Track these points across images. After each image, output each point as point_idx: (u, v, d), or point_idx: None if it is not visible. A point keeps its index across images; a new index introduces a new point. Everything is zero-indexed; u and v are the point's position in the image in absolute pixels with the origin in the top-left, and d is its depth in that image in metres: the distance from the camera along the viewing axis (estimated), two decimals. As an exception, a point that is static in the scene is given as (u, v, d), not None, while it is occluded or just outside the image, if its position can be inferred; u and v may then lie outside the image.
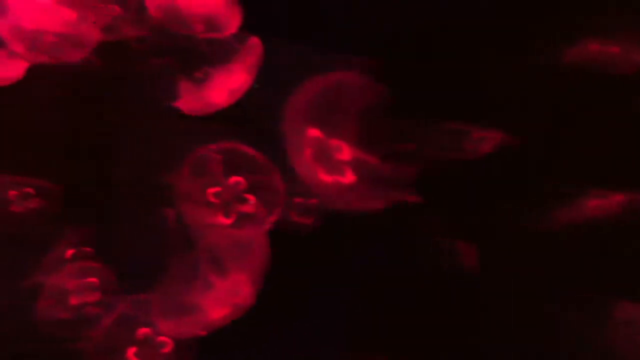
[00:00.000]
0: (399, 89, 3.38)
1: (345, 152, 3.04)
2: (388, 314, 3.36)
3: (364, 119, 3.04)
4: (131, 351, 3.29)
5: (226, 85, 3.35)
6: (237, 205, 3.30)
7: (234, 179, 3.33)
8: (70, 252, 3.48)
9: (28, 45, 3.31)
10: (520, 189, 3.47)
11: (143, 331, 3.33)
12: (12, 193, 3.42)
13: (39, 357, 3.35)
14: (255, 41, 3.31)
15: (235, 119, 3.38)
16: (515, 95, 3.58)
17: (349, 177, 3.03)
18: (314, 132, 3.09)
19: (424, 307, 3.39)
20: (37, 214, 3.41)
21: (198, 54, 3.39)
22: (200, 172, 3.33)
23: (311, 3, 3.57)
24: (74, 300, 3.45)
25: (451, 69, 3.59)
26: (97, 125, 3.53)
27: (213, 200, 3.32)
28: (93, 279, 3.45)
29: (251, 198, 3.30)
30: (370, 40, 3.51)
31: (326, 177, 3.04)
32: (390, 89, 3.35)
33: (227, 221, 3.29)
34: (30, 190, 3.42)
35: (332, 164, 3.05)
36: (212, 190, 3.33)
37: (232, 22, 3.35)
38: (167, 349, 3.28)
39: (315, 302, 3.31)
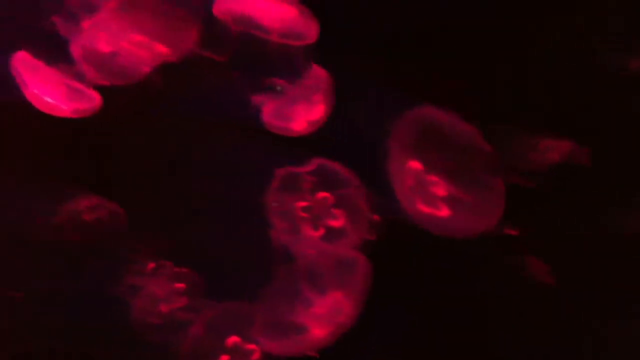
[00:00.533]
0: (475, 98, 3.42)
1: (442, 187, 3.12)
2: (472, 330, 3.44)
3: (456, 152, 3.12)
4: (223, 359, 3.39)
5: (306, 117, 3.41)
6: (325, 219, 3.38)
7: (322, 194, 3.41)
8: (155, 261, 3.56)
9: (100, 68, 3.34)
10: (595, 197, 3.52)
11: (233, 339, 3.42)
12: (84, 203, 3.47)
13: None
14: (327, 75, 3.37)
15: (324, 136, 3.45)
16: (584, 103, 3.60)
17: (444, 211, 3.12)
18: (415, 165, 3.16)
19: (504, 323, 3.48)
20: (108, 223, 3.45)
21: (276, 68, 3.42)
22: (290, 187, 3.39)
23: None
24: (164, 307, 3.55)
25: (521, 78, 3.61)
26: (179, 140, 3.56)
27: (302, 215, 3.40)
28: (180, 285, 3.54)
29: (339, 213, 3.39)
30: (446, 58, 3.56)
31: (423, 208, 3.12)
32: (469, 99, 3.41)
33: (316, 234, 3.37)
34: (101, 201, 3.48)
35: (429, 196, 3.13)
36: (301, 204, 3.40)
37: (309, 31, 3.37)
38: (255, 356, 3.38)
39: (411, 321, 3.39)
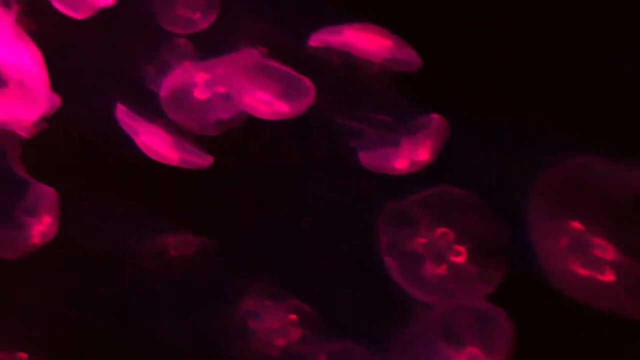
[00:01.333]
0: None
1: (609, 251, 2.96)
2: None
3: (621, 208, 2.95)
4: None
5: (411, 156, 3.30)
6: (447, 255, 3.29)
7: (442, 229, 3.31)
8: (269, 296, 3.51)
9: (190, 114, 3.29)
10: None
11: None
12: (171, 240, 3.43)
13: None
14: (441, 121, 3.26)
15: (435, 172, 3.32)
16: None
17: (608, 276, 2.97)
18: (576, 225, 3.00)
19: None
20: (197, 259, 3.42)
21: (379, 103, 3.28)
22: (406, 221, 3.28)
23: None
24: (280, 341, 3.52)
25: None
26: (284, 178, 3.47)
27: (421, 251, 3.31)
28: (293, 316, 3.51)
29: (462, 249, 3.29)
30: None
31: (581, 270, 2.99)
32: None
33: (438, 271, 3.29)
34: (189, 238, 3.42)
35: (590, 259, 2.98)
36: (420, 240, 3.30)
37: (410, 60, 3.28)
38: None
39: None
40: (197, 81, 3.29)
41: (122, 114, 3.22)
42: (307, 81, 3.18)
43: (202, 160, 3.27)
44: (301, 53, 3.27)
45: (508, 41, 3.38)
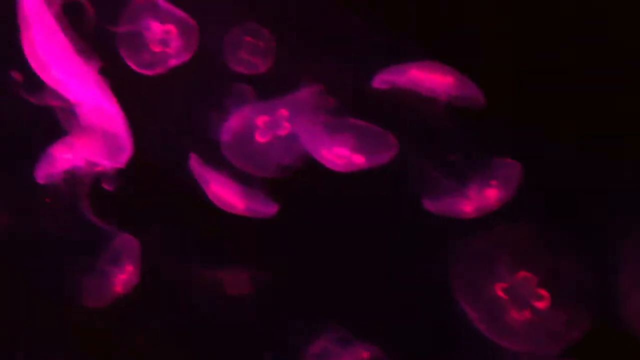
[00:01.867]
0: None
1: None
2: None
3: None
4: None
5: (479, 202, 3.13)
6: (529, 300, 3.10)
7: (523, 273, 3.11)
8: (337, 343, 3.36)
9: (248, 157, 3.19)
10: None
11: None
12: (228, 278, 3.37)
13: None
14: (516, 166, 3.09)
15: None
16: None
17: None
18: None
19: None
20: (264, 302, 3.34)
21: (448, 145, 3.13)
22: (483, 265, 3.08)
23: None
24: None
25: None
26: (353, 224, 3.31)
27: (502, 296, 3.12)
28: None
29: (545, 293, 3.09)
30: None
31: None
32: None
33: (522, 317, 3.10)
34: (245, 275, 3.35)
35: None
36: (500, 285, 3.11)
37: (475, 97, 3.12)
38: None
39: None
40: (258, 124, 3.14)
41: (195, 163, 3.18)
42: (388, 135, 3.10)
43: (268, 208, 3.19)
44: (362, 93, 3.09)
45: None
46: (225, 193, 3.17)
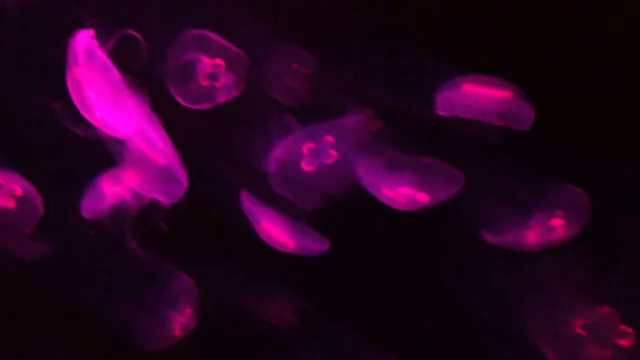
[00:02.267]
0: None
1: None
2: None
3: None
4: None
5: (544, 233, 2.88)
6: (612, 338, 2.83)
7: (604, 308, 2.84)
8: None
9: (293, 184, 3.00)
10: None
11: None
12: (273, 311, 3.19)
13: None
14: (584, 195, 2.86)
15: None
16: None
17: None
18: None
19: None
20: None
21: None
22: (557, 301, 2.86)
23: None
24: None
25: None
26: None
27: (581, 333, 2.86)
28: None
29: (629, 330, 2.81)
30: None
31: None
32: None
33: (604, 356, 2.84)
34: (290, 305, 3.19)
35: None
36: (579, 322, 2.85)
37: (526, 117, 2.88)
38: None
39: None
40: (303, 151, 2.89)
41: (246, 200, 3.02)
42: (455, 171, 2.88)
43: (319, 246, 3.01)
44: (411, 114, 2.79)
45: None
46: (276, 232, 3.01)
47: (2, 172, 3.12)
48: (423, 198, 2.89)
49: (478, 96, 2.87)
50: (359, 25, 2.97)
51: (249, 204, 3.03)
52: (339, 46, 2.98)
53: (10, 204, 3.12)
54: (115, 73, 2.90)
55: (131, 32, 2.95)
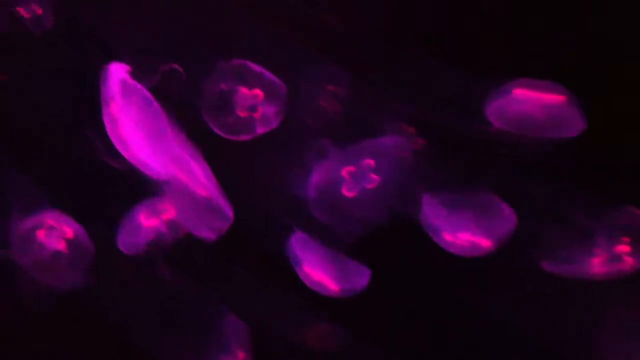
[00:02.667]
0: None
1: None
2: None
3: None
4: None
5: (609, 261, 2.72)
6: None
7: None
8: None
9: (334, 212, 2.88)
10: None
11: None
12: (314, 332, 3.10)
13: None
14: None
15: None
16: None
17: None
18: None
19: None
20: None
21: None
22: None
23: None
24: None
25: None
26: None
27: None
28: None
29: None
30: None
31: None
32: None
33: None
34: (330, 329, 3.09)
35: None
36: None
37: (575, 124, 2.72)
38: None
39: None
40: (343, 175, 2.74)
41: (290, 242, 2.95)
42: (506, 209, 2.75)
43: (362, 283, 2.89)
44: (453, 132, 2.62)
45: None
46: (318, 275, 2.91)
47: (51, 213, 3.06)
48: (486, 243, 2.72)
49: (530, 102, 2.68)
50: (386, 40, 2.84)
51: (292, 246, 2.94)
52: (371, 64, 2.86)
53: (62, 246, 3.06)
54: (152, 106, 2.84)
55: (172, 65, 2.88)
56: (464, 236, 2.74)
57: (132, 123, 2.82)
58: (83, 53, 2.96)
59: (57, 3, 3.01)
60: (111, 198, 3.03)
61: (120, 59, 2.85)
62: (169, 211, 2.98)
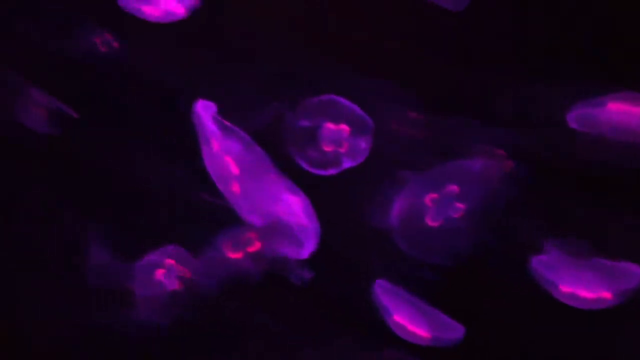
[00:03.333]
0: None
1: None
2: None
3: None
4: None
5: None
6: None
7: None
8: None
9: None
10: None
11: None
12: None
13: None
14: None
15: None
16: None
17: None
18: None
19: None
20: None
21: None
22: None
23: None
24: None
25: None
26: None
27: None
28: None
29: None
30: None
31: None
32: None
33: None
34: None
35: None
36: None
37: None
38: None
39: None
40: (427, 203, 2.49)
41: (378, 291, 2.76)
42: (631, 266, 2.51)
43: (454, 333, 2.67)
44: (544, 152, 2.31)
45: None
46: (409, 324, 2.70)
47: (167, 253, 3.01)
48: (608, 295, 2.49)
49: (626, 117, 2.35)
50: (459, 61, 2.62)
51: (381, 296, 2.73)
52: (448, 87, 2.64)
53: (179, 286, 3.01)
54: (246, 142, 2.80)
55: (260, 102, 2.82)
56: (582, 293, 2.48)
57: (228, 159, 2.79)
58: (170, 90, 2.89)
59: (138, 37, 2.94)
60: (199, 230, 2.91)
61: (209, 96, 2.79)
62: (255, 244, 2.87)
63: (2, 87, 3.01)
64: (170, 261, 3.00)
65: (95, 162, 2.96)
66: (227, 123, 2.76)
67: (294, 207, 2.76)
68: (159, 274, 3.00)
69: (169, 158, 2.88)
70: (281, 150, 2.79)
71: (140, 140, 2.93)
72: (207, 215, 2.86)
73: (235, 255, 2.88)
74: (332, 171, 2.78)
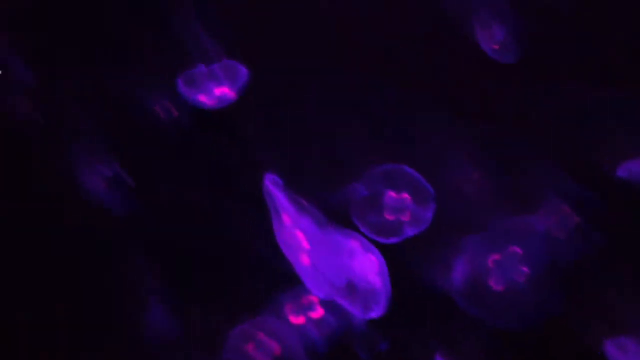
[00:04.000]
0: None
1: None
2: None
3: None
4: None
5: None
6: None
7: None
8: None
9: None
10: None
11: None
12: None
13: None
14: None
15: None
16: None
17: None
18: None
19: None
20: None
21: None
22: None
23: None
24: None
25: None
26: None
27: None
28: None
29: None
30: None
31: None
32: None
33: None
34: None
35: None
36: None
37: None
38: None
39: None
40: (489, 265, 2.29)
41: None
42: None
43: None
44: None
45: None
46: None
47: (258, 328, 2.96)
48: None
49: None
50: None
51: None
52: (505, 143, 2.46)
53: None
54: (312, 213, 2.76)
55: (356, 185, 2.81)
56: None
57: (299, 234, 2.76)
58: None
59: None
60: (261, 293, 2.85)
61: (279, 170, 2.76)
62: (317, 309, 2.80)
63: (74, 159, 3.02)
64: (260, 334, 2.93)
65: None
66: (300, 199, 2.72)
67: (367, 268, 2.69)
68: (250, 347, 2.93)
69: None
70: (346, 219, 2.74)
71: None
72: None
73: (297, 320, 2.78)
74: (393, 240, 2.70)
